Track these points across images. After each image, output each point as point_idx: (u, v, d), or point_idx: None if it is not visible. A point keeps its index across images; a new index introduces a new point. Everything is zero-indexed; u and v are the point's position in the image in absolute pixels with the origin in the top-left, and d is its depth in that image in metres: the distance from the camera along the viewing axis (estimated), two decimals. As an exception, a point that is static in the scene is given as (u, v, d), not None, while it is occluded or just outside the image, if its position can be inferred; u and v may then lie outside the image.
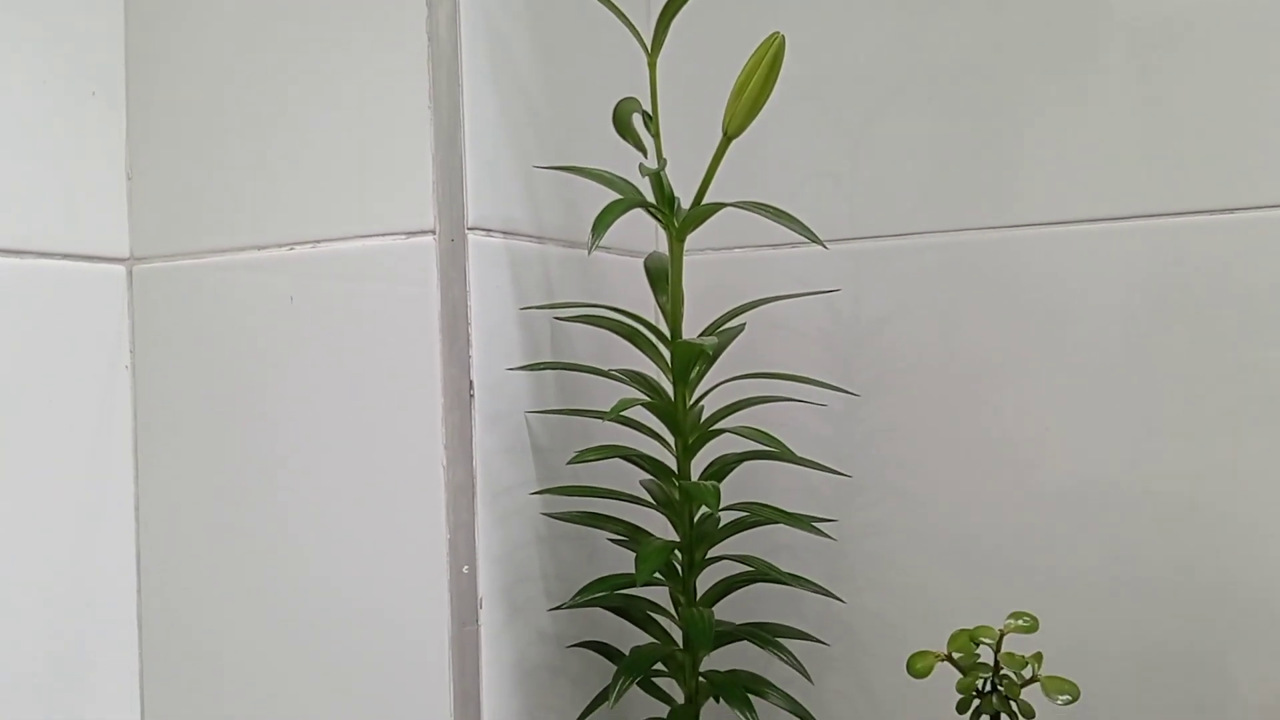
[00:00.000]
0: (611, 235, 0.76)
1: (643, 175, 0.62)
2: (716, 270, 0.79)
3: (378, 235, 0.65)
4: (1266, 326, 0.67)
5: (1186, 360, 0.68)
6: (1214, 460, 0.68)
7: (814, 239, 0.62)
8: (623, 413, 0.63)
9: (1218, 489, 0.68)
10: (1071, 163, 0.71)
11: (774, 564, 0.67)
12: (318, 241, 0.66)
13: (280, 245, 0.67)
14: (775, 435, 0.63)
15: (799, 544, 0.78)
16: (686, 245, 0.66)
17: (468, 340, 0.64)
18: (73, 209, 0.70)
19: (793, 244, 0.77)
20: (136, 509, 0.72)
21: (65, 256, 0.69)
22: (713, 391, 0.68)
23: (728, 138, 0.63)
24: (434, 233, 0.63)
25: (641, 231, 0.78)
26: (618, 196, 0.62)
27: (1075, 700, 0.56)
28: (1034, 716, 0.58)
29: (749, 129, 0.63)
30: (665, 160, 0.64)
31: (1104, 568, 0.70)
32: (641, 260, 0.70)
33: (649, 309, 0.70)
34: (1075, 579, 0.71)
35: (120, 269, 0.72)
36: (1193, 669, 0.68)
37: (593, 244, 0.58)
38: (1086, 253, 0.71)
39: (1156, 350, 0.69)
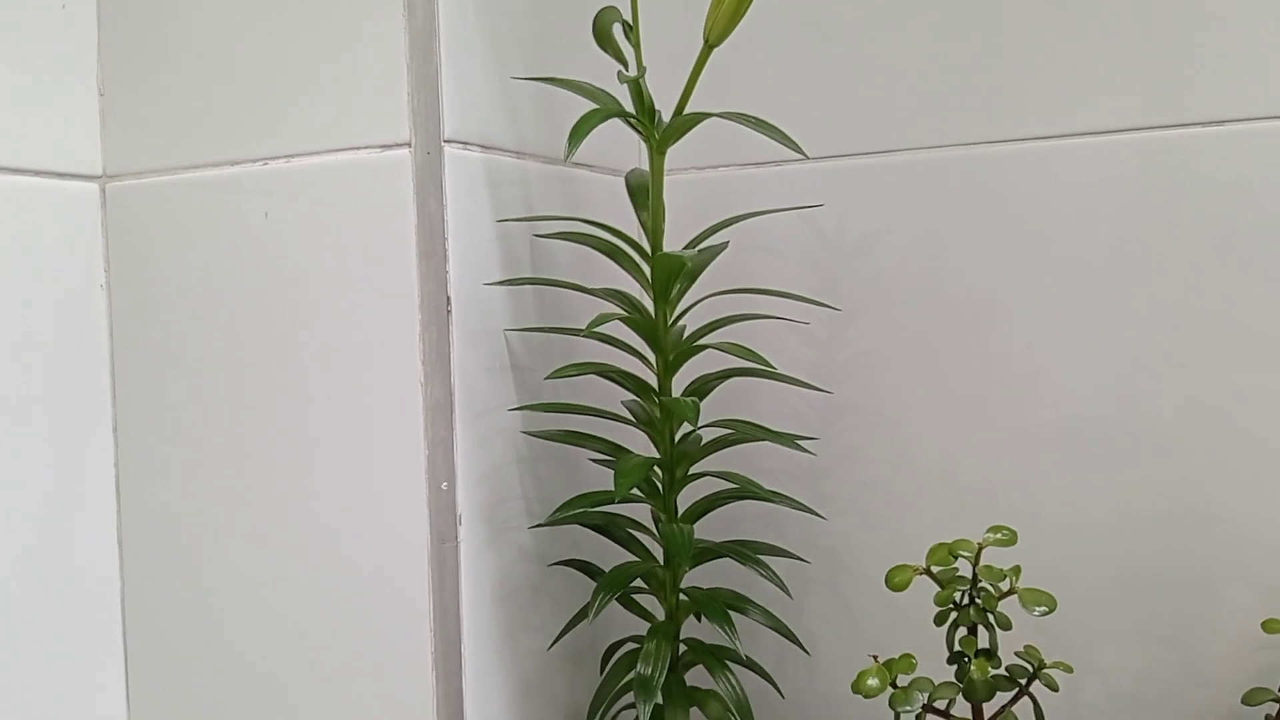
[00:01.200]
0: (594, 152, 0.76)
1: (620, 83, 0.61)
2: (700, 189, 0.78)
3: (352, 149, 0.63)
4: (1257, 254, 0.65)
5: (1178, 289, 0.67)
6: (1202, 393, 0.67)
7: (794, 148, 0.60)
8: (605, 331, 0.63)
9: (1205, 422, 0.67)
10: (1064, 74, 0.69)
11: (756, 481, 0.67)
12: (291, 156, 0.65)
13: (254, 160, 0.66)
14: (757, 353, 0.62)
15: (781, 468, 0.78)
16: (670, 164, 0.65)
17: (445, 255, 0.63)
18: (45, 125, 0.68)
19: (777, 161, 0.76)
20: (115, 428, 0.71)
21: (38, 173, 0.68)
22: (695, 310, 0.68)
23: (709, 46, 0.61)
24: (409, 146, 0.62)
25: (625, 150, 0.76)
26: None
27: (1052, 611, 0.56)
28: (1011, 628, 0.58)
29: (736, 45, 0.62)
30: (645, 68, 0.62)
31: (1089, 496, 0.70)
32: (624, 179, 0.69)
33: (633, 229, 0.69)
34: (1060, 507, 0.70)
35: (94, 186, 0.71)
36: (1179, 598, 0.68)
37: (569, 152, 0.57)
38: (1079, 168, 0.69)
39: (1148, 276, 0.68)
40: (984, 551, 0.59)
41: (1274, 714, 0.59)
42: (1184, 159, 0.67)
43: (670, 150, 0.65)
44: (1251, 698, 0.59)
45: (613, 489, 0.60)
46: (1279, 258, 0.65)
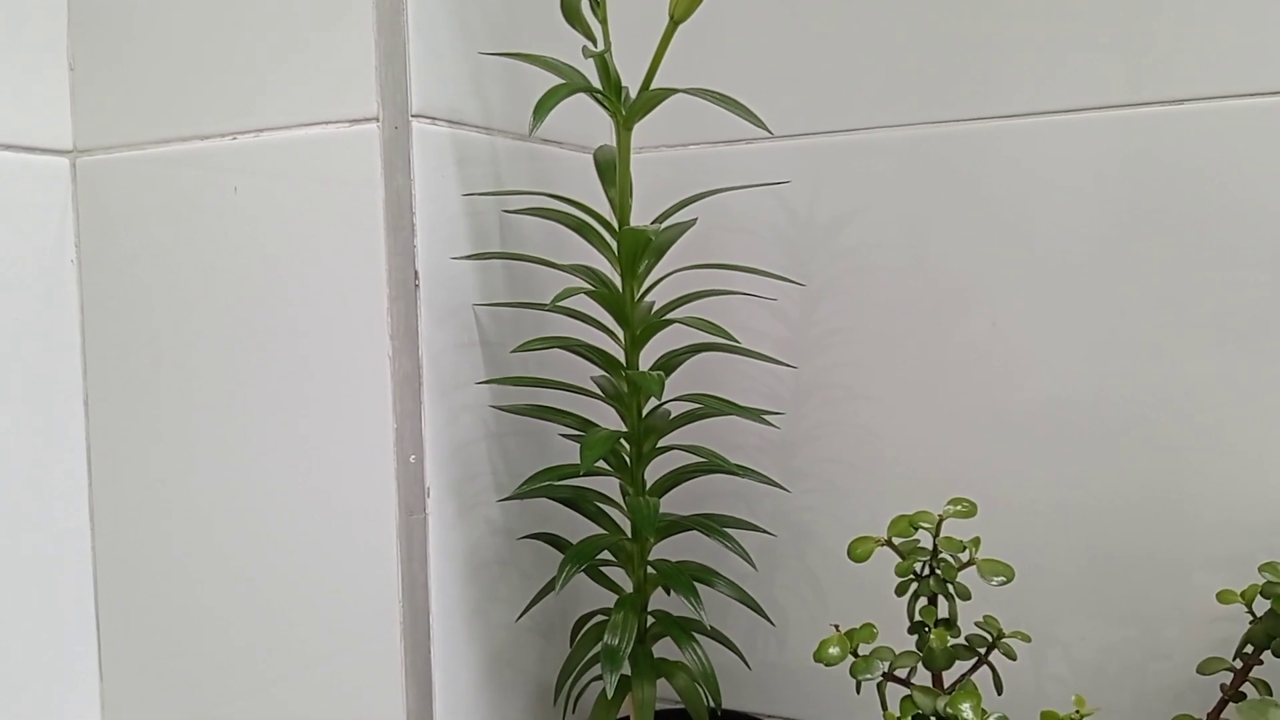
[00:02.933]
0: (563, 129, 0.76)
1: (586, 58, 0.61)
2: (672, 166, 0.78)
3: (320, 123, 0.64)
4: (1232, 237, 0.65)
5: (1152, 270, 0.67)
6: (1170, 376, 0.67)
7: (758, 123, 0.61)
8: (574, 306, 0.63)
9: (1172, 404, 0.67)
10: (1040, 51, 0.68)
11: (723, 456, 0.67)
12: (260, 131, 0.65)
13: (223, 135, 0.66)
14: (723, 328, 0.63)
15: (753, 444, 0.78)
16: (642, 141, 0.66)
17: (412, 230, 0.63)
18: (15, 100, 0.68)
19: (748, 139, 0.76)
20: (86, 403, 0.72)
21: (8, 148, 0.68)
22: (664, 286, 0.68)
23: (674, 22, 0.62)
24: (377, 120, 0.62)
25: (595, 127, 0.77)
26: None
27: (1009, 581, 0.57)
28: (970, 598, 0.59)
29: (709, 21, 0.62)
30: (611, 42, 0.62)
31: (1057, 476, 0.70)
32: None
33: (603, 206, 0.70)
34: (1027, 487, 0.71)
35: (64, 161, 0.71)
36: (1143, 575, 0.68)
37: (534, 126, 0.57)
38: (1055, 147, 0.69)
39: (1122, 257, 0.67)
40: (944, 524, 0.59)
41: (1228, 683, 0.60)
42: (1163, 138, 0.66)
43: (642, 128, 0.66)
44: (1206, 667, 0.60)
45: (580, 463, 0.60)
46: (1253, 241, 0.65)
